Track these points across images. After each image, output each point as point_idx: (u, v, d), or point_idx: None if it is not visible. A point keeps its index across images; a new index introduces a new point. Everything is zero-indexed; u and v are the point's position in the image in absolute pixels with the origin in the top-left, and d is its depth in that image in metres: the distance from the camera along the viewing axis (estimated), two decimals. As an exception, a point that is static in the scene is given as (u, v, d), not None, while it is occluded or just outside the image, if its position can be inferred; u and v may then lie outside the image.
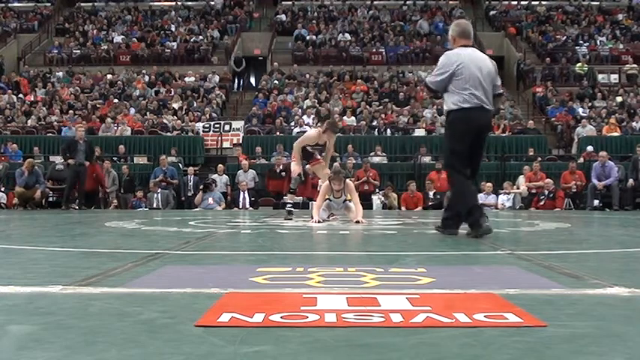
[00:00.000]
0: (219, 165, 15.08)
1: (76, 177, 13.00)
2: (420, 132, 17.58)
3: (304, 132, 17.57)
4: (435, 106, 19.42)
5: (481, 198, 13.97)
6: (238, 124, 18.67)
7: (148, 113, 19.50)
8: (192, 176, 14.94)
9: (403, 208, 13.74)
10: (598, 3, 27.76)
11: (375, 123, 18.36)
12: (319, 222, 6.92)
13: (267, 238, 5.22)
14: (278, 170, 14.18)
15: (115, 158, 16.13)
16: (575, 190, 13.89)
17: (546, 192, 13.55)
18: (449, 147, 5.10)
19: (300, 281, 2.44)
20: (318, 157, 7.70)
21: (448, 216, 5.17)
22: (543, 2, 27.95)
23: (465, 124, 4.86)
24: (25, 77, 22.85)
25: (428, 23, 26.32)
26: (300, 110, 19.36)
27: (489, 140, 16.71)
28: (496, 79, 5.00)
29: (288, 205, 8.13)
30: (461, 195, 5.01)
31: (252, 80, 27.01)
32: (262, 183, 14.53)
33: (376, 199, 14.03)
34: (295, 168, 7.66)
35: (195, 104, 20.42)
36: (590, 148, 15.28)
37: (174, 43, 25.26)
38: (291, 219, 7.68)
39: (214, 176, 14.45)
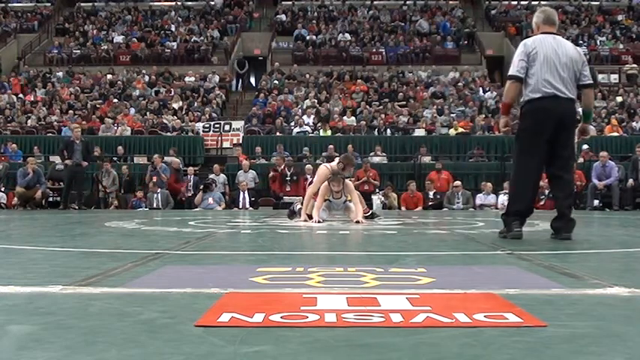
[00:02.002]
0: (215, 165, 15.05)
1: (73, 177, 13.01)
2: (420, 132, 17.58)
3: (304, 132, 17.73)
4: (434, 106, 19.44)
5: (481, 198, 14.03)
6: (238, 124, 18.66)
7: (148, 113, 19.50)
8: (192, 176, 14.94)
9: (403, 208, 13.74)
10: (598, 3, 27.77)
11: (375, 123, 18.37)
12: (319, 222, 6.92)
13: (267, 238, 5.22)
14: (279, 170, 14.24)
15: (115, 158, 16.13)
16: (575, 190, 13.87)
17: (546, 192, 13.54)
18: (521, 142, 4.74)
19: (300, 281, 2.44)
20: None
21: (505, 215, 4.86)
22: (543, 2, 27.94)
23: (539, 115, 4.57)
24: (18, 77, 22.78)
25: (428, 23, 26.34)
26: (300, 110, 19.37)
27: (489, 140, 16.82)
28: (583, 68, 4.69)
29: (296, 207, 8.09)
30: (512, 195, 4.90)
31: (252, 80, 27.02)
32: (263, 183, 14.55)
33: (376, 199, 14.02)
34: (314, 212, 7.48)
35: (195, 104, 20.43)
36: (585, 147, 15.24)
37: (174, 43, 25.27)
38: (292, 219, 7.68)
39: (212, 176, 14.45)
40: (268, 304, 1.92)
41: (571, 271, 2.81)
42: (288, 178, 14.11)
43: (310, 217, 7.20)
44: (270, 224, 7.05)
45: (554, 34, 4.78)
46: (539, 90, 4.56)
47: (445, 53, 24.72)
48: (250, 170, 14.54)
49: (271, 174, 14.41)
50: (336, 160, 7.95)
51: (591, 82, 4.81)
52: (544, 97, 4.55)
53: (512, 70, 4.70)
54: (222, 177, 14.60)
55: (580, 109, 5.10)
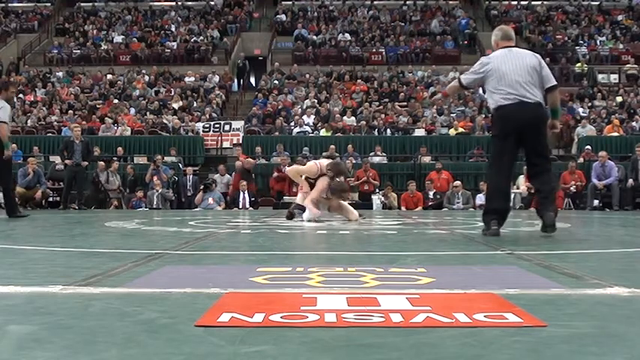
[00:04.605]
0: (221, 166, 15.05)
1: (73, 177, 13.00)
2: (419, 132, 17.58)
3: (304, 132, 17.72)
4: (434, 107, 19.45)
5: (481, 198, 14.01)
6: (238, 124, 18.67)
7: (148, 113, 19.50)
8: (192, 176, 14.97)
9: (403, 208, 13.74)
10: (598, 3, 27.77)
11: (375, 123, 18.37)
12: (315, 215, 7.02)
13: (267, 238, 5.22)
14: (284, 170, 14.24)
15: (115, 158, 16.13)
16: (574, 190, 13.89)
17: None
18: (493, 146, 5.26)
19: (300, 281, 2.43)
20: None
21: (485, 214, 5.15)
22: (543, 2, 27.95)
23: (505, 121, 5.01)
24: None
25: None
26: (300, 110, 19.36)
27: (489, 140, 16.73)
28: (543, 72, 5.04)
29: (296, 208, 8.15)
30: (488, 196, 5.28)
31: (252, 80, 27.04)
32: (262, 183, 14.55)
33: (376, 199, 14.03)
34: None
35: (195, 104, 20.43)
36: (587, 148, 15.27)
37: (174, 43, 25.27)
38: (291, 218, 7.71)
39: (216, 176, 14.44)
40: (268, 304, 1.92)
41: (571, 271, 2.81)
42: None
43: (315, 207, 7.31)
44: (270, 224, 7.05)
45: (511, 47, 5.21)
46: (501, 99, 4.99)
47: (445, 53, 24.72)
48: (226, 175, 14.53)
49: (276, 174, 14.40)
50: (327, 161, 7.82)
51: (554, 83, 5.16)
52: (508, 105, 4.95)
53: (464, 76, 5.36)
54: (227, 177, 14.61)
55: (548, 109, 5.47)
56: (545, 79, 5.06)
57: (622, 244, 4.80)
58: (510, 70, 4.98)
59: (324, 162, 7.69)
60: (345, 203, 7.50)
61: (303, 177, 7.67)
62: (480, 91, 20.89)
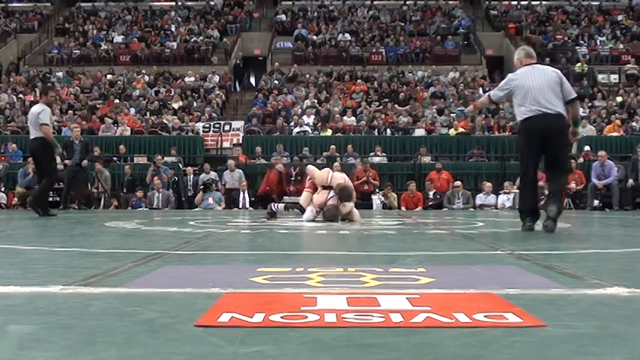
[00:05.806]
0: (205, 164, 15.04)
1: (72, 177, 12.99)
2: (420, 132, 17.58)
3: (304, 132, 17.71)
4: (434, 107, 19.45)
5: (481, 198, 14.02)
6: (238, 124, 18.67)
7: (147, 113, 19.50)
8: (193, 176, 14.96)
9: (403, 208, 13.74)
10: (598, 3, 27.78)
11: (375, 123, 18.36)
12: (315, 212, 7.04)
13: (267, 238, 5.22)
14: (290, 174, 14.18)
15: (115, 158, 16.13)
16: (575, 190, 13.89)
17: (546, 192, 13.51)
18: (520, 153, 5.95)
19: (300, 281, 2.43)
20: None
21: (520, 213, 5.88)
22: (543, 2, 27.96)
23: (528, 131, 5.61)
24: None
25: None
26: (300, 110, 19.36)
27: (489, 140, 16.82)
28: (564, 86, 5.58)
29: (274, 206, 8.15)
30: (519, 197, 6.08)
31: (252, 80, 27.03)
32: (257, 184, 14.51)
33: (376, 199, 14.02)
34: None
35: (195, 104, 20.42)
36: (586, 148, 15.26)
37: (174, 43, 25.27)
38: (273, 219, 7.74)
39: (201, 175, 14.43)
40: (268, 304, 1.92)
41: (571, 271, 2.81)
42: (292, 178, 14.11)
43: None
44: (270, 224, 7.05)
45: (533, 64, 5.78)
46: (526, 112, 5.55)
47: (445, 53, 24.72)
48: (237, 170, 14.50)
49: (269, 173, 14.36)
50: (340, 176, 7.81)
51: (575, 96, 5.74)
52: (534, 116, 5.50)
53: (493, 92, 6.04)
54: (213, 174, 14.61)
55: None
56: (566, 92, 5.58)
57: (622, 244, 4.80)
58: (534, 85, 5.52)
59: (338, 176, 7.61)
60: (353, 207, 7.51)
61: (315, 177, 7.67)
62: (481, 91, 20.99)
